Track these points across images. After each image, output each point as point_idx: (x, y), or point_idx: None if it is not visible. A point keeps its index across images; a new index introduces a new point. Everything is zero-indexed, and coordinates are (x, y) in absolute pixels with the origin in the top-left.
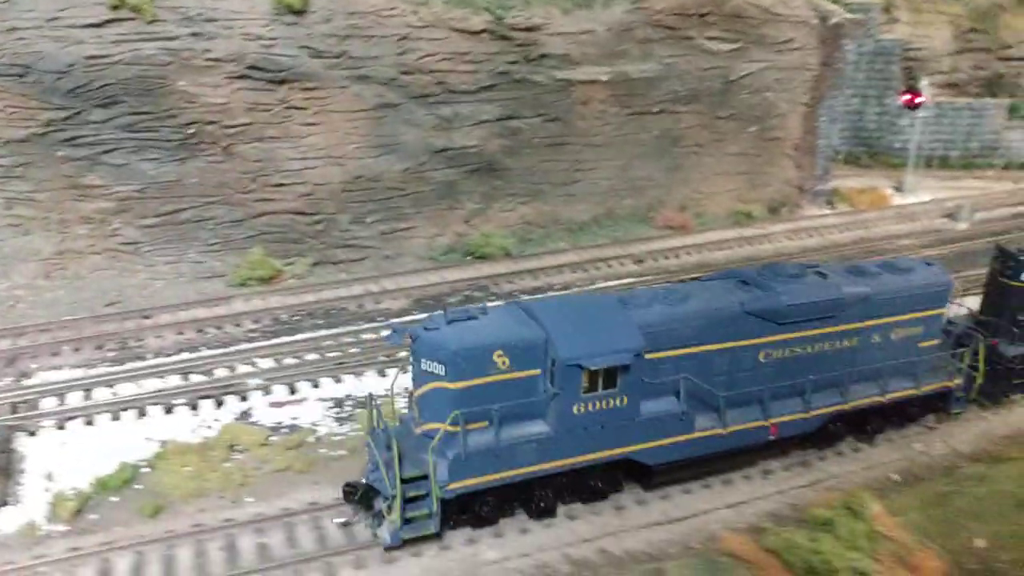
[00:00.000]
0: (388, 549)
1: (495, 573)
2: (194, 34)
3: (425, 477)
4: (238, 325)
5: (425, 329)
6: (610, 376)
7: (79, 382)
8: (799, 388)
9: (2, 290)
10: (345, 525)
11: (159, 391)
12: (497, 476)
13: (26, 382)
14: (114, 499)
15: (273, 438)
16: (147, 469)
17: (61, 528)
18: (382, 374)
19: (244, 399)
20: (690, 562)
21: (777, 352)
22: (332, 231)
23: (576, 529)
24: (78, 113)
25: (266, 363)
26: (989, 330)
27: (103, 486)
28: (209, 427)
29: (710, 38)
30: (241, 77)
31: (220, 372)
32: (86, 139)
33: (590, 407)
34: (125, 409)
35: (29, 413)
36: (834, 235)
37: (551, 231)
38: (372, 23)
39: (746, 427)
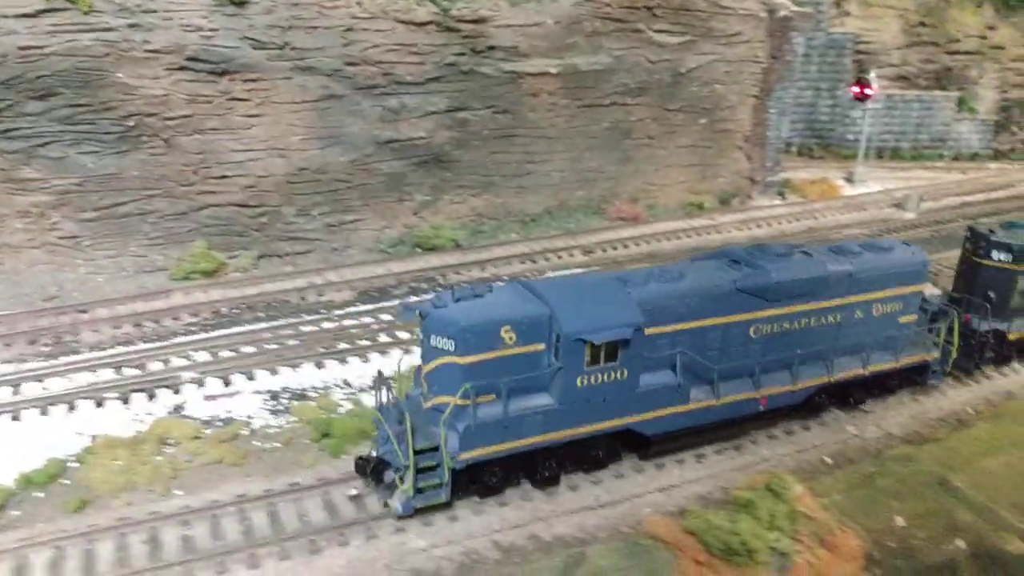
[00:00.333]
0: (400, 518)
1: (422, 561)
2: (132, 25)
3: (435, 449)
4: (176, 319)
5: (434, 307)
6: (611, 350)
7: (7, 377)
8: (787, 362)
9: None
10: (354, 497)
11: (90, 385)
12: (505, 446)
13: None
14: (39, 495)
15: (206, 431)
16: (75, 464)
17: None
18: (319, 366)
19: (177, 392)
20: (613, 546)
21: (766, 327)
22: (277, 224)
23: (506, 515)
24: (12, 105)
25: (202, 356)
26: (962, 306)
27: (28, 482)
28: (141, 421)
29: (659, 31)
30: (181, 69)
31: (154, 366)
32: (22, 131)
33: (593, 380)
34: (54, 404)
35: None
36: (783, 225)
37: (503, 223)
38: (315, 14)
39: (738, 399)
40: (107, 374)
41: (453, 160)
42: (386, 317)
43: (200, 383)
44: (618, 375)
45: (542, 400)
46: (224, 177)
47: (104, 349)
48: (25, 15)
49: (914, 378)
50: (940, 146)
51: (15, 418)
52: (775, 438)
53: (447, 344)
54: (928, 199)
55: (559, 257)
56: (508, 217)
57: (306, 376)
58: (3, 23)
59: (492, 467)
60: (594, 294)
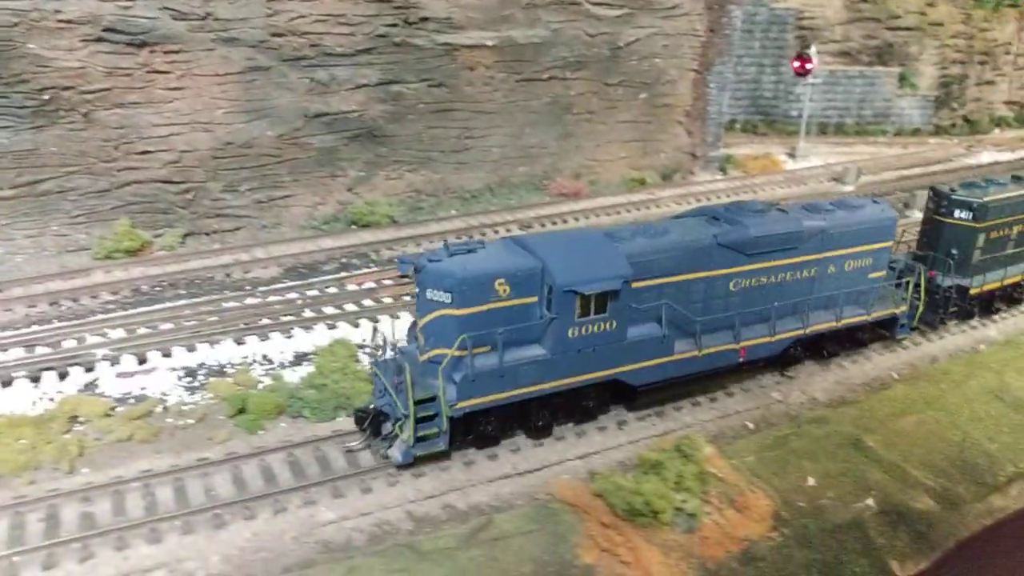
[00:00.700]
0: (400, 467)
1: (332, 533)
2: None
3: (433, 399)
4: (95, 297)
5: (429, 260)
6: (601, 302)
7: None
8: (765, 315)
9: None
10: (352, 451)
11: None
12: (501, 395)
13: None
14: None
15: (118, 409)
16: None
17: None
18: (239, 342)
19: (90, 370)
20: (520, 511)
21: (745, 281)
22: (203, 200)
23: (422, 486)
24: None
25: (118, 334)
26: (926, 264)
27: None
28: (51, 399)
29: (596, 3)
30: (98, 40)
31: (68, 344)
32: None
33: (583, 331)
34: None
35: None
36: (722, 199)
37: (442, 200)
38: None
39: (719, 350)
40: (17, 353)
41: (388, 135)
42: (312, 293)
43: (114, 361)
44: (607, 326)
45: (535, 351)
46: (146, 152)
47: (17, 328)
48: None
49: (882, 332)
50: (883, 121)
51: None
52: (698, 404)
53: (443, 297)
54: (867, 173)
55: (496, 232)
56: (447, 193)
57: (225, 352)
58: None
59: (488, 417)
60: (584, 248)
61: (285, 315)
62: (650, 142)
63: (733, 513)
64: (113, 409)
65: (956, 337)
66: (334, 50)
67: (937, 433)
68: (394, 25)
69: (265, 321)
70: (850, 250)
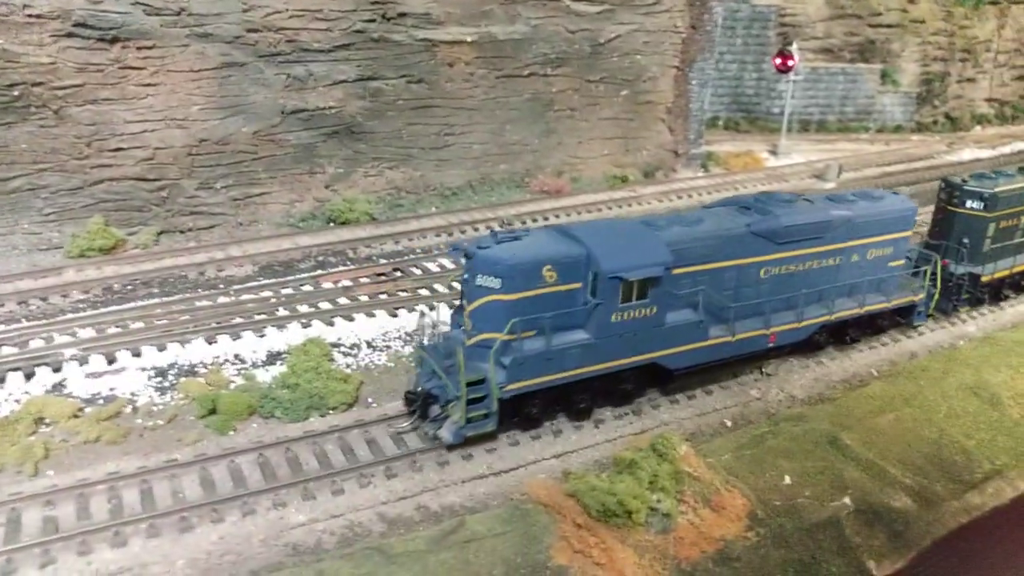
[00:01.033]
0: (450, 448)
1: (301, 535)
2: None
3: (482, 382)
4: (65, 296)
5: (479, 248)
6: (643, 288)
7: None
8: (793, 301)
9: None
10: (403, 432)
11: None
12: (548, 378)
13: None
14: None
15: (87, 410)
16: None
17: None
18: (211, 341)
19: (58, 371)
20: (493, 512)
21: (775, 269)
22: (178, 198)
23: (394, 487)
24: None
25: (87, 333)
26: (939, 252)
27: None
28: (17, 401)
29: None
30: (68, 35)
31: (35, 343)
32: None
33: (625, 316)
34: None
35: None
36: (704, 196)
37: (423, 197)
38: None
39: (750, 335)
40: None
41: (367, 131)
42: (287, 291)
43: (83, 361)
44: (647, 312)
45: (579, 336)
46: (120, 150)
47: None
48: None
49: (899, 319)
50: (865, 119)
51: None
52: (676, 402)
53: (493, 282)
54: (849, 170)
55: (476, 230)
56: (428, 191)
57: (196, 352)
58: None
59: (533, 400)
60: (626, 236)
61: (258, 314)
62: (632, 139)
63: (708, 513)
64: (81, 410)
65: (936, 333)
66: (311, 46)
67: (914, 431)
68: (372, 20)
69: (238, 320)
70: (873, 239)
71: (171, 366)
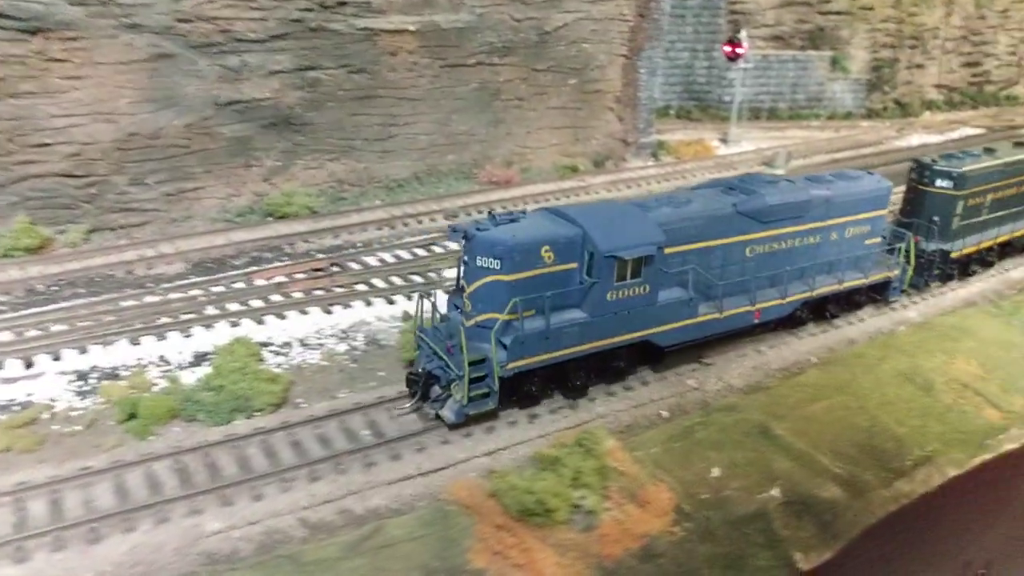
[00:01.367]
0: (452, 427)
1: (217, 543)
2: None
3: (483, 361)
4: None
5: (478, 229)
6: (637, 267)
7: None
8: (776, 279)
9: None
10: (405, 414)
11: None
12: (547, 356)
13: None
14: None
15: (1, 417)
16: None
17: None
18: (135, 343)
19: None
20: (413, 515)
21: (760, 247)
22: (108, 195)
23: (316, 491)
24: None
25: (3, 337)
26: (910, 230)
27: None
28: None
29: None
30: None
31: None
32: None
33: (620, 295)
34: None
35: None
36: (652, 186)
37: (367, 189)
38: None
39: (737, 312)
40: None
41: (306, 122)
42: (218, 289)
43: None
44: (641, 291)
45: (575, 314)
46: (44, 145)
47: None
48: None
49: (875, 295)
50: (816, 105)
51: None
52: (613, 395)
53: (493, 263)
54: (798, 157)
55: (419, 222)
56: (372, 182)
57: (119, 354)
58: None
59: (532, 378)
60: (619, 217)
61: (185, 313)
62: (581, 128)
63: (634, 508)
64: None
65: (876, 319)
66: (245, 36)
67: (847, 419)
68: (309, 10)
69: (164, 320)
70: (851, 218)
71: (92, 369)
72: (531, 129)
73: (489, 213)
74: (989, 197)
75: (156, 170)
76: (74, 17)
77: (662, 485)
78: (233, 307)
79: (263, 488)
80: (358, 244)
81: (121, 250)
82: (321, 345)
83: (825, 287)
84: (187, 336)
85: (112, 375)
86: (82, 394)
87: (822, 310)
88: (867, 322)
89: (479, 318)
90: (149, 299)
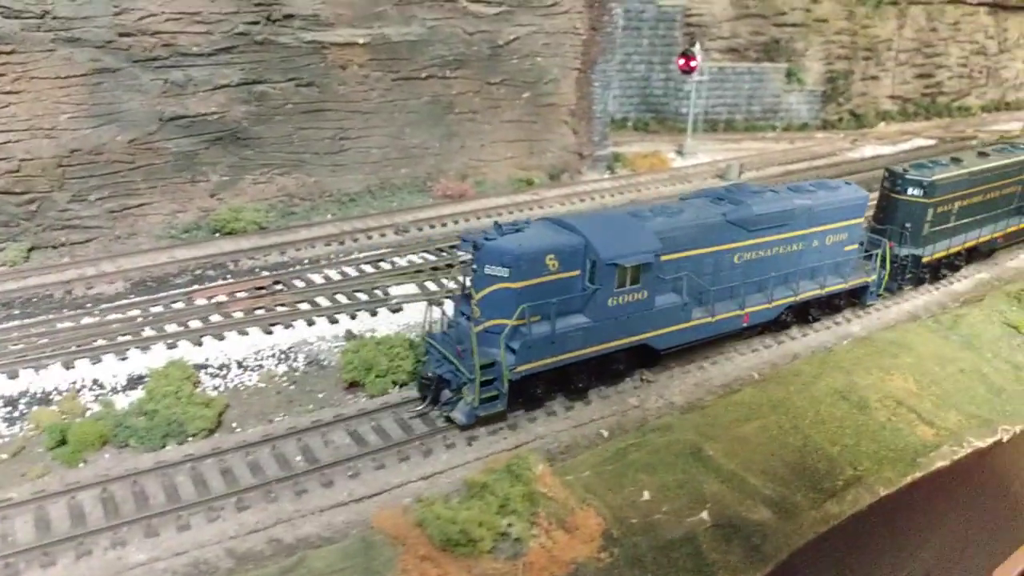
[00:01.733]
0: (464, 428)
1: None
2: None
3: (492, 365)
4: None
5: (486, 239)
6: (636, 274)
7: None
8: (763, 284)
9: None
10: (417, 416)
11: None
12: (553, 359)
13: None
14: None
15: None
16: None
17: None
18: (68, 366)
19: None
20: (336, 546)
21: (748, 254)
22: (49, 212)
23: (245, 520)
24: None
25: None
26: (885, 236)
27: None
28: None
29: (474, 0)
30: None
31: None
32: None
33: (620, 300)
34: None
35: None
36: (607, 198)
37: (318, 203)
38: None
39: (727, 316)
40: None
41: (253, 137)
42: (156, 309)
43: None
44: (640, 296)
45: (578, 320)
46: None
47: None
48: None
49: (853, 300)
50: (772, 117)
51: None
52: (553, 414)
53: (501, 271)
54: (751, 168)
55: (369, 238)
56: (323, 197)
57: (52, 378)
58: None
59: (537, 381)
60: (618, 226)
61: (122, 335)
62: (536, 142)
63: (562, 535)
64: None
65: (820, 334)
66: (190, 50)
67: (779, 438)
68: (255, 23)
69: (100, 342)
70: (831, 226)
71: (23, 394)
72: (485, 142)
73: (495, 223)
74: (957, 204)
75: (99, 186)
76: (9, 31)
77: (591, 510)
78: (171, 328)
79: (190, 517)
80: (305, 261)
81: (62, 269)
82: (260, 367)
83: (808, 292)
84: (123, 359)
85: (44, 400)
86: (10, 421)
87: (805, 314)
88: (811, 336)
89: (488, 324)
90: (86, 320)
